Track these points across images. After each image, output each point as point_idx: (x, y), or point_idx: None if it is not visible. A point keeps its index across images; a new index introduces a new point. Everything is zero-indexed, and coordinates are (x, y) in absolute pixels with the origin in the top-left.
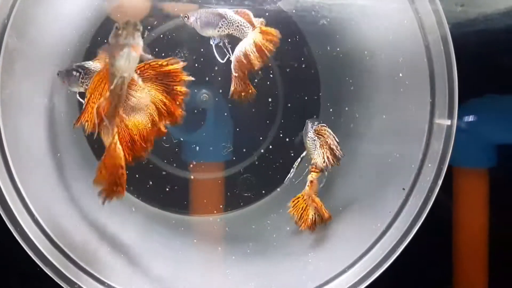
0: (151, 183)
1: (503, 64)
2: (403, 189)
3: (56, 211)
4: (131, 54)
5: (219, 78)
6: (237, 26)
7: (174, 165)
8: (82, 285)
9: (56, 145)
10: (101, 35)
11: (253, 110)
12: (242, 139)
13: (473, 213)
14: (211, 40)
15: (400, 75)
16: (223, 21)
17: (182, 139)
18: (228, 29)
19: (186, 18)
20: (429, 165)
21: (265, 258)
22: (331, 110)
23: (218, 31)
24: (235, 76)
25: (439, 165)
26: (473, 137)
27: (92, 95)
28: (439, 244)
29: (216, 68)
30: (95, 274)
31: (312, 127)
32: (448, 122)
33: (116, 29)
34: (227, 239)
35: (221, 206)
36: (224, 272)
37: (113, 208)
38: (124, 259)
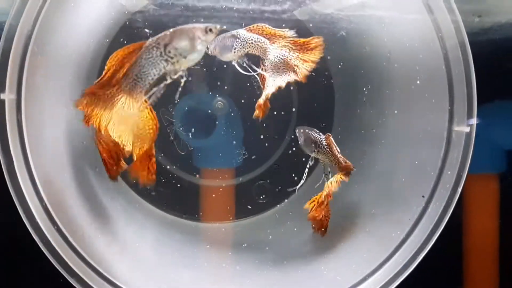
0: (162, 189)
1: None
2: (423, 196)
3: (75, 215)
4: (200, 55)
5: (234, 86)
6: (252, 43)
7: (186, 171)
8: None
9: (77, 156)
10: (117, 43)
11: (267, 117)
12: (255, 146)
13: (483, 218)
14: (233, 63)
15: (418, 82)
16: (236, 42)
17: (196, 145)
18: (243, 48)
19: (207, 49)
20: (449, 172)
21: (281, 267)
22: (346, 118)
23: (235, 52)
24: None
25: (458, 172)
26: (483, 142)
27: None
28: (450, 249)
29: (231, 77)
30: (114, 281)
31: (320, 135)
32: (467, 129)
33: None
34: (241, 247)
35: (233, 213)
36: (237, 281)
37: (130, 214)
38: (137, 265)
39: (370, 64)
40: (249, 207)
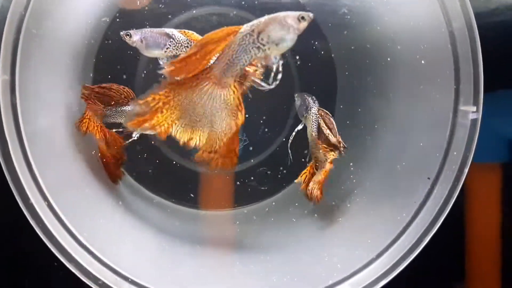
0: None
1: None
2: (428, 178)
3: (78, 206)
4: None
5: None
6: (186, 47)
7: (186, 158)
8: (106, 282)
9: (74, 140)
10: (114, 28)
11: (268, 103)
12: (256, 133)
13: (486, 207)
14: (159, 60)
15: (423, 62)
16: (170, 42)
17: None
18: (176, 50)
19: (128, 37)
20: (455, 153)
21: (283, 253)
22: (350, 99)
23: (165, 51)
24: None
25: (465, 153)
26: (486, 132)
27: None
28: (452, 239)
29: None
30: (120, 270)
31: (314, 102)
32: (474, 109)
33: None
34: (243, 234)
35: (234, 201)
36: (239, 267)
37: (130, 201)
38: (138, 252)
39: (373, 45)
40: (250, 194)
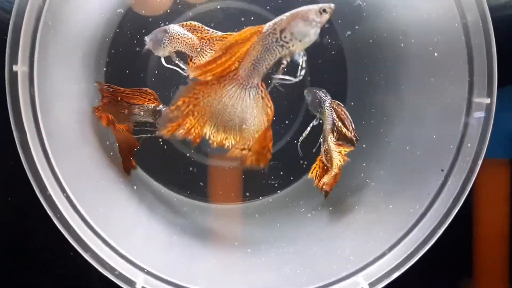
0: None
1: None
2: (442, 170)
3: (93, 197)
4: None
5: None
6: (178, 39)
7: (195, 151)
8: (122, 272)
9: (88, 133)
10: (129, 19)
11: (278, 97)
12: None
13: (494, 203)
14: (162, 59)
15: (436, 55)
16: (165, 37)
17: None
18: (171, 43)
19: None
20: (469, 145)
21: (294, 246)
22: (361, 93)
23: (163, 47)
24: None
25: (479, 144)
26: (495, 127)
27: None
28: (459, 235)
29: None
30: (135, 261)
31: (326, 96)
32: (488, 101)
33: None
34: (254, 227)
35: (245, 194)
36: (250, 260)
37: (141, 193)
38: (149, 242)
39: (385, 37)
40: (262, 188)
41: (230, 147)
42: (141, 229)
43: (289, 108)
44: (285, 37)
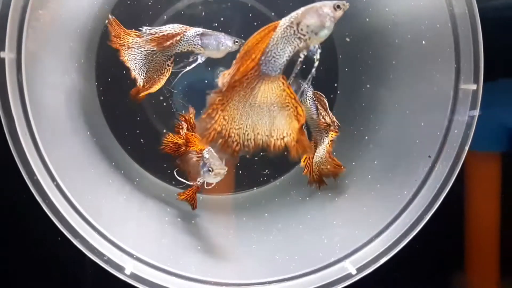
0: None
1: None
2: (429, 156)
3: (83, 185)
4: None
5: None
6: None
7: None
8: (111, 257)
9: (79, 122)
10: (119, 11)
11: None
12: None
13: (485, 196)
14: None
15: (423, 43)
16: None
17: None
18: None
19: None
20: (455, 131)
21: (285, 235)
22: (351, 80)
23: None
24: None
25: (465, 130)
26: (486, 121)
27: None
28: (451, 228)
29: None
30: (125, 247)
31: (309, 86)
32: (474, 87)
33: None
34: (245, 217)
35: (236, 185)
36: (241, 249)
37: (132, 188)
38: (141, 232)
39: (373, 26)
40: (253, 178)
41: (266, 143)
42: (132, 218)
43: None
44: (301, 29)
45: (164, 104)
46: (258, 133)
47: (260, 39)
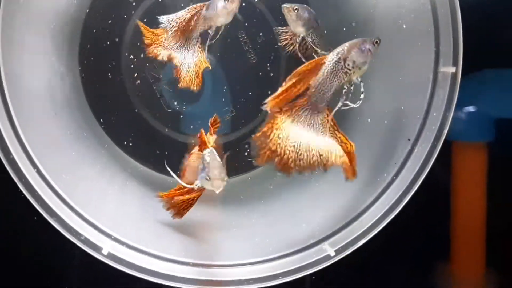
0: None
1: (501, 37)
2: (409, 139)
3: (62, 167)
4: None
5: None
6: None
7: (174, 129)
8: (88, 237)
9: (57, 104)
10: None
11: (255, 74)
12: (242, 104)
13: (471, 187)
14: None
15: (404, 26)
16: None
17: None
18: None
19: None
20: (434, 114)
21: (268, 216)
22: None
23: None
24: None
25: (444, 112)
26: (472, 111)
27: None
28: (437, 218)
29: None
30: (102, 228)
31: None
32: (453, 70)
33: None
34: (229, 200)
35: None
36: (226, 231)
37: (113, 172)
38: (121, 215)
39: (356, 10)
40: (237, 165)
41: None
42: (113, 201)
43: (265, 86)
44: (348, 64)
45: (149, 89)
46: (312, 154)
47: (308, 71)
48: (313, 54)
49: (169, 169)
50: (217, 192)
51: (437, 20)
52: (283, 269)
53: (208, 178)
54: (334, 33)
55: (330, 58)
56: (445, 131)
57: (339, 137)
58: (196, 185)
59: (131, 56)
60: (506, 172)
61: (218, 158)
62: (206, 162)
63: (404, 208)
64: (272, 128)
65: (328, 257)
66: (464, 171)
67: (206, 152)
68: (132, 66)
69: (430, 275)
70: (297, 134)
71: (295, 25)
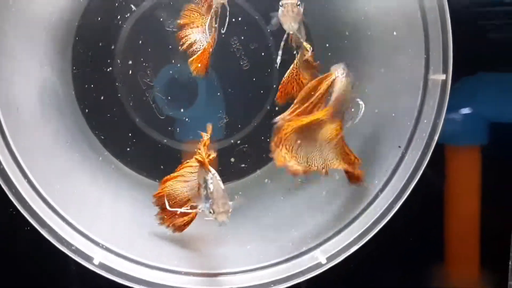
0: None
1: (495, 40)
2: (399, 147)
3: (53, 175)
4: None
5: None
6: None
7: (166, 136)
8: (79, 247)
9: (49, 112)
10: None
11: (247, 83)
12: (235, 111)
13: (465, 189)
14: None
15: (395, 33)
16: None
17: (177, 116)
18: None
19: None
20: (425, 121)
21: (261, 223)
22: (324, 72)
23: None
24: None
25: (434, 120)
26: (466, 114)
27: None
28: (431, 220)
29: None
30: (94, 237)
31: None
32: (443, 77)
33: None
34: None
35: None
36: (219, 238)
37: (106, 178)
38: (113, 222)
39: (347, 18)
40: (230, 172)
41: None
42: (104, 208)
43: (258, 93)
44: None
45: (142, 96)
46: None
47: (316, 85)
48: (298, 49)
49: (166, 201)
50: (219, 225)
51: (427, 28)
52: (275, 277)
53: (212, 212)
54: (323, 39)
55: (340, 74)
56: (436, 138)
57: (343, 147)
58: (200, 210)
59: (125, 63)
60: (500, 174)
61: (222, 185)
62: (209, 191)
63: (398, 212)
64: (286, 136)
65: (319, 264)
66: (458, 174)
67: (209, 177)
68: (125, 73)
69: (424, 280)
70: (311, 144)
71: (292, 21)
